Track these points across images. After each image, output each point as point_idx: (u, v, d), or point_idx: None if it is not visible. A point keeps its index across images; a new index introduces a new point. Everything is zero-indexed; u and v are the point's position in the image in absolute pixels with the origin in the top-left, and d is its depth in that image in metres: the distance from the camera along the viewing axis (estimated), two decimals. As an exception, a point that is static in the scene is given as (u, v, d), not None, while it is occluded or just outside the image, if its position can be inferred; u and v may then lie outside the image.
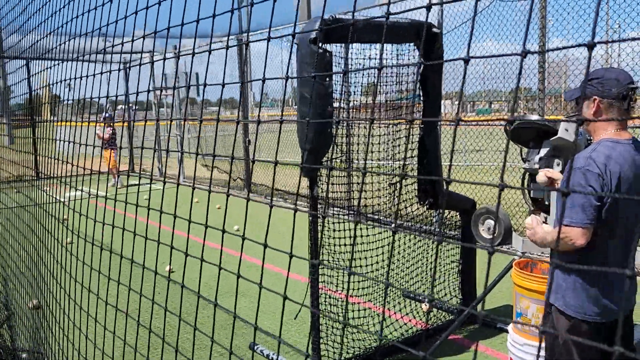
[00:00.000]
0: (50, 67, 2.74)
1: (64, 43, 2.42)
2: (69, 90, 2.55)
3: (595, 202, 2.01)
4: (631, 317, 2.31)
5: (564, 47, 0.79)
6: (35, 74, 3.36)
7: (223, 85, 1.26)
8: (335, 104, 3.31)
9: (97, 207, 2.23)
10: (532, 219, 2.33)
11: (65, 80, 2.49)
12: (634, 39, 0.69)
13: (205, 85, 1.31)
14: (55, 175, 2.58)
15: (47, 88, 3.16)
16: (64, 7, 2.37)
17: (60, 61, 2.58)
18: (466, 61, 0.82)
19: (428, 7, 0.92)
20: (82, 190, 2.06)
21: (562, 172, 2.99)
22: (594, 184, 2.00)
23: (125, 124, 13.50)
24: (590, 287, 2.09)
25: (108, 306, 1.80)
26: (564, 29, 5.69)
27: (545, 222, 3.28)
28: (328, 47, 3.06)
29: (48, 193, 2.69)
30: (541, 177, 2.48)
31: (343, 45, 3.64)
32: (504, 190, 0.76)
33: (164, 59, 1.71)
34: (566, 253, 2.14)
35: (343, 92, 4.03)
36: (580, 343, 2.12)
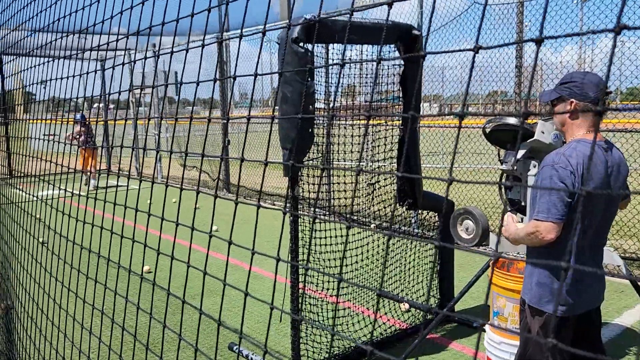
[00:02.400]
0: (27, 69, 2.68)
1: (47, 44, 2.37)
2: (44, 88, 2.50)
3: (567, 199, 2.07)
4: (599, 311, 2.37)
5: (513, 43, 0.81)
6: (12, 75, 3.28)
7: (215, 81, 1.25)
8: (318, 104, 3.32)
9: (71, 206, 2.19)
10: (508, 216, 2.38)
11: (42, 82, 2.44)
12: (578, 34, 0.71)
13: (198, 82, 1.30)
14: (30, 174, 2.53)
15: (21, 85, 3.09)
16: (47, 9, 2.32)
17: (36, 57, 2.53)
18: (423, 57, 0.85)
19: (389, 4, 0.93)
20: (59, 189, 2.02)
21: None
22: (566, 181, 2.06)
23: (102, 123, 13.27)
24: (559, 282, 2.15)
25: (86, 307, 1.77)
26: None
27: (521, 222, 3.34)
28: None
29: (22, 191, 2.63)
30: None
31: (324, 45, 3.65)
32: (452, 184, 0.77)
33: (145, 58, 1.69)
34: (538, 250, 2.21)
35: (324, 92, 4.04)
36: (554, 337, 2.17)
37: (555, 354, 2.19)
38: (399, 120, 3.86)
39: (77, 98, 2.11)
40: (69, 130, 10.65)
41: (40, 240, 2.33)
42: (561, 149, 2.17)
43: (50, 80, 2.24)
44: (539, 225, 2.09)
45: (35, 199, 2.41)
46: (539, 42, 0.68)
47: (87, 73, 2.09)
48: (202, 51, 1.34)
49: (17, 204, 2.84)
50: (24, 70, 2.76)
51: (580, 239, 2.16)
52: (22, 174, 2.61)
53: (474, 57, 0.79)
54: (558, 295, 2.17)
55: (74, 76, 2.09)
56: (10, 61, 3.29)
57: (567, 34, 0.69)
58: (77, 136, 10.75)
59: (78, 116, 10.55)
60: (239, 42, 1.16)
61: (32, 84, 2.53)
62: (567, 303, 2.16)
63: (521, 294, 2.33)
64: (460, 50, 0.84)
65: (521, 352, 2.35)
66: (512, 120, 3.19)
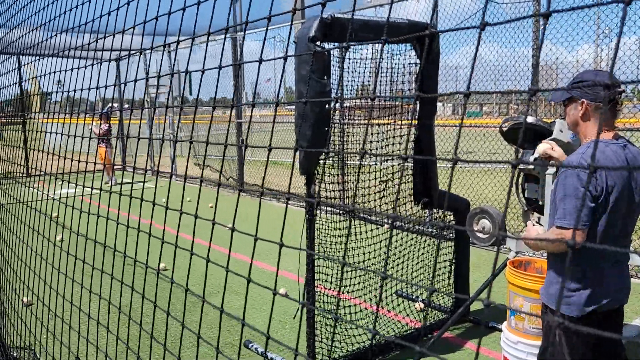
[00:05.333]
0: (39, 60, 2.71)
1: (52, 37, 2.39)
2: (59, 87, 2.52)
3: (590, 204, 2.03)
4: (622, 311, 2.32)
5: (519, 18, 0.80)
6: (24, 65, 3.32)
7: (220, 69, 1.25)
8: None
9: (87, 204, 2.21)
10: (528, 223, 2.36)
11: (54, 71, 2.46)
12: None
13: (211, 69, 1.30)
14: (47, 172, 2.55)
15: (37, 84, 3.13)
16: (52, 2, 2.34)
17: (50, 57, 2.56)
18: (431, 36, 0.84)
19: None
20: (78, 185, 2.04)
21: (556, 174, 3.01)
22: (588, 185, 2.03)
23: (117, 120, 13.38)
24: (582, 283, 2.11)
25: (102, 304, 1.79)
26: (557, 32, 5.75)
27: (538, 222, 3.31)
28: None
29: (39, 190, 2.67)
30: (543, 147, 2.48)
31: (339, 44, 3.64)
32: (457, 164, 0.76)
33: (152, 48, 1.70)
34: (560, 254, 2.18)
35: (338, 91, 4.03)
36: (575, 340, 2.14)
37: (574, 355, 2.16)
38: (415, 119, 3.84)
39: (90, 88, 2.12)
40: (95, 126, 10.77)
41: (58, 238, 2.35)
42: (579, 152, 2.13)
43: (65, 70, 2.26)
44: (565, 234, 2.03)
45: (51, 197, 2.44)
46: (546, 16, 0.70)
47: (101, 63, 2.11)
48: (207, 40, 1.34)
49: (32, 202, 2.87)
50: (34, 61, 2.79)
51: (606, 239, 2.11)
52: (40, 172, 2.63)
53: (480, 34, 0.79)
54: (578, 296, 2.14)
55: (85, 66, 2.11)
56: (28, 63, 3.33)
57: (574, 7, 0.70)
58: (103, 131, 10.87)
59: (104, 111, 10.56)
60: (244, 30, 1.16)
61: (45, 75, 2.55)
62: (590, 302, 2.12)
63: (541, 297, 2.31)
64: (467, 28, 0.83)
65: (542, 353, 2.32)
66: (529, 119, 3.16)
